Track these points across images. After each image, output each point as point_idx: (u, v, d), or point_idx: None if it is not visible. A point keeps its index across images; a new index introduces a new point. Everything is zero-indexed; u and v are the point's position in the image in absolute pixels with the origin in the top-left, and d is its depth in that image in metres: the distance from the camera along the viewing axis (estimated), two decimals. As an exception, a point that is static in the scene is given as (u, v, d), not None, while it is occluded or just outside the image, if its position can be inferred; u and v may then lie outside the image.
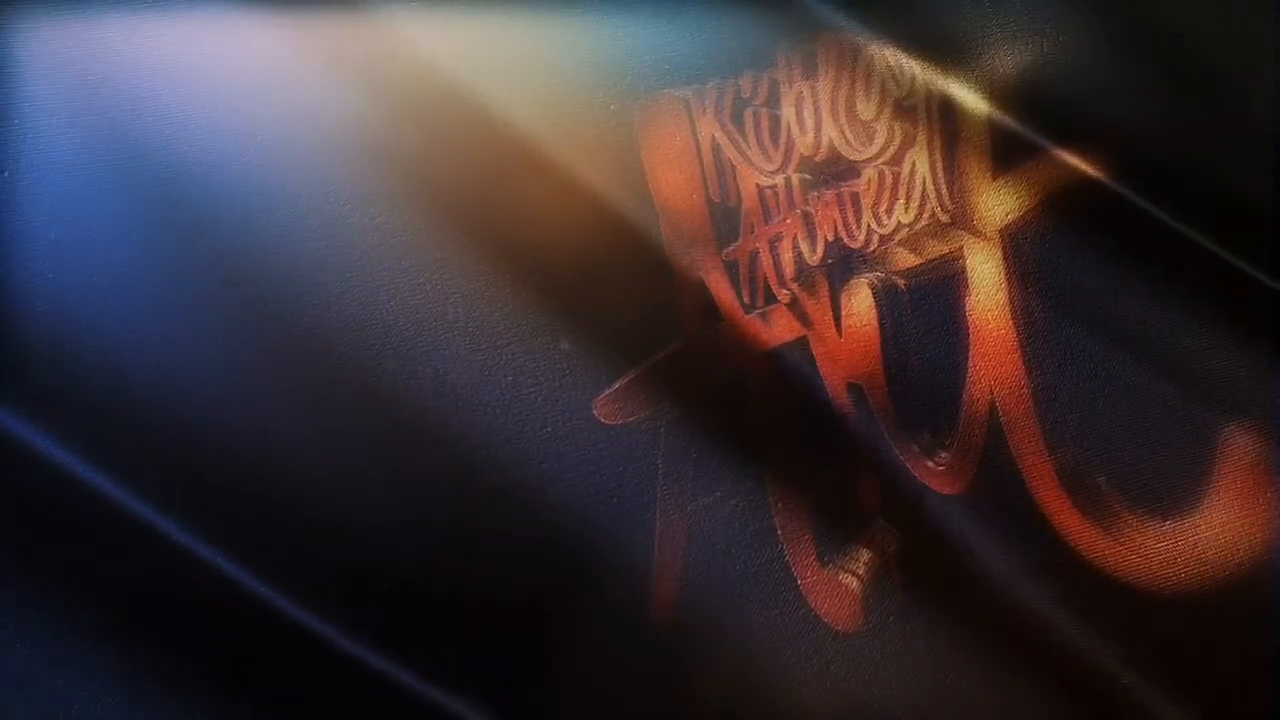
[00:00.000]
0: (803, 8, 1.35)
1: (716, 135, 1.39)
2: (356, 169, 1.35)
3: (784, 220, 1.40)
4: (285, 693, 1.33)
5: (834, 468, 1.43)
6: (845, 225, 1.40)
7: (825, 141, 1.38)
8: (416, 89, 1.36)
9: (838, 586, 1.42)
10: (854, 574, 1.42)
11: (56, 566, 1.31)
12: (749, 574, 1.41)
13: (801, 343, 1.43)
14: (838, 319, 1.42)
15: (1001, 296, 1.39)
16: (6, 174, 1.33)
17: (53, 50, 1.33)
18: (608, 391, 1.39)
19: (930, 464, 1.42)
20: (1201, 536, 1.39)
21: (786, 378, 1.42)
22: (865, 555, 1.42)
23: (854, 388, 1.43)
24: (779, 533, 1.41)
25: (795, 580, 1.42)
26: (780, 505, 1.42)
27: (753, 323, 1.43)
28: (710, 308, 1.42)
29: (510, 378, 1.38)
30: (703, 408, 1.42)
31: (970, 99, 1.36)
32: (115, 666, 1.31)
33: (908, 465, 1.42)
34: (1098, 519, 1.39)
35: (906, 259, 1.41)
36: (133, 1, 1.33)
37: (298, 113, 1.34)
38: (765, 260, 1.41)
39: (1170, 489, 1.40)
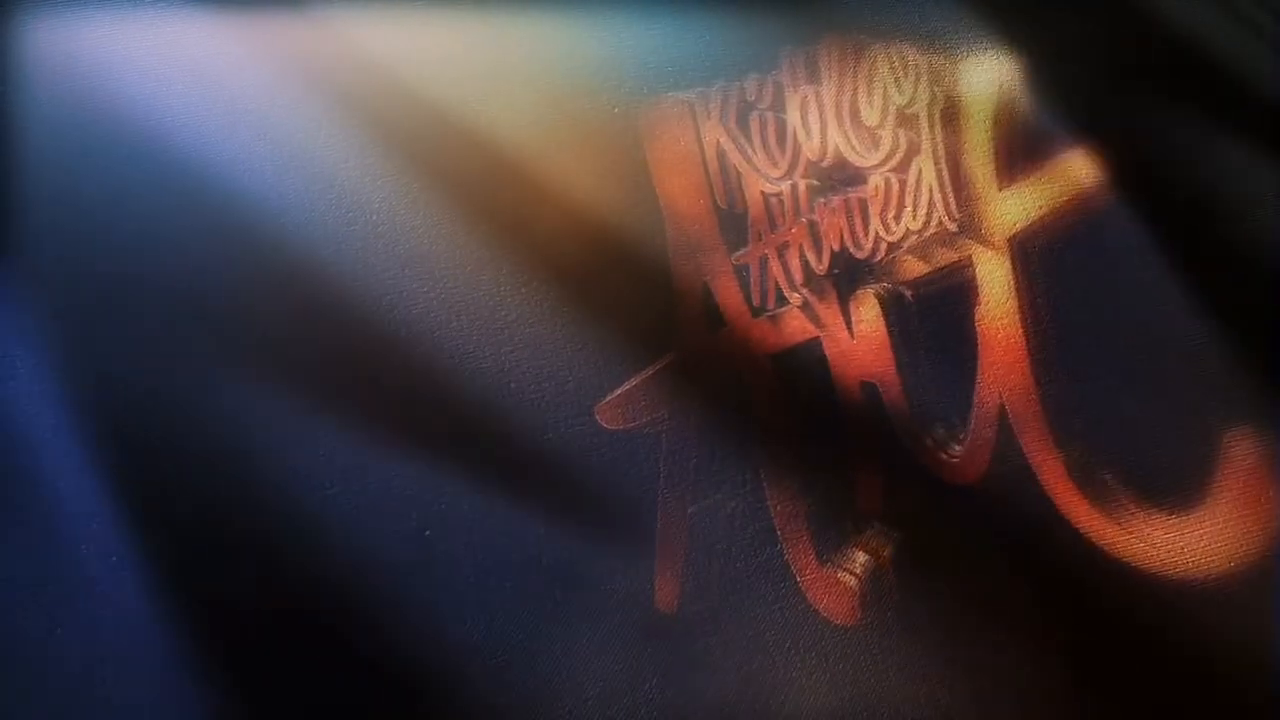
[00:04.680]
0: (806, 10, 1.35)
1: (721, 141, 1.37)
2: (359, 174, 1.34)
3: (789, 229, 1.38)
4: (286, 686, 1.33)
5: (845, 459, 1.42)
6: (852, 234, 1.38)
7: (831, 147, 1.36)
8: (421, 92, 1.35)
9: (836, 582, 1.42)
10: (851, 571, 1.42)
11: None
12: (749, 572, 1.42)
13: (814, 343, 1.41)
14: (849, 322, 1.40)
15: (1010, 304, 1.37)
16: None
17: (53, 49, 1.31)
18: (609, 397, 1.38)
19: (944, 456, 1.41)
20: (1205, 532, 1.37)
21: (797, 375, 1.41)
22: (863, 552, 1.42)
23: (868, 385, 1.41)
24: (778, 532, 1.42)
25: (794, 577, 1.42)
26: (779, 506, 1.41)
27: (761, 325, 1.41)
28: (714, 312, 1.40)
29: (514, 383, 1.36)
30: (704, 411, 1.41)
31: (974, 107, 1.35)
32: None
33: (921, 457, 1.42)
34: (1106, 509, 1.38)
35: (915, 267, 1.39)
36: (134, 1, 1.32)
37: (301, 116, 1.33)
38: (775, 266, 1.39)
39: (1175, 487, 1.38)
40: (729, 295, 1.40)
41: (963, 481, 1.41)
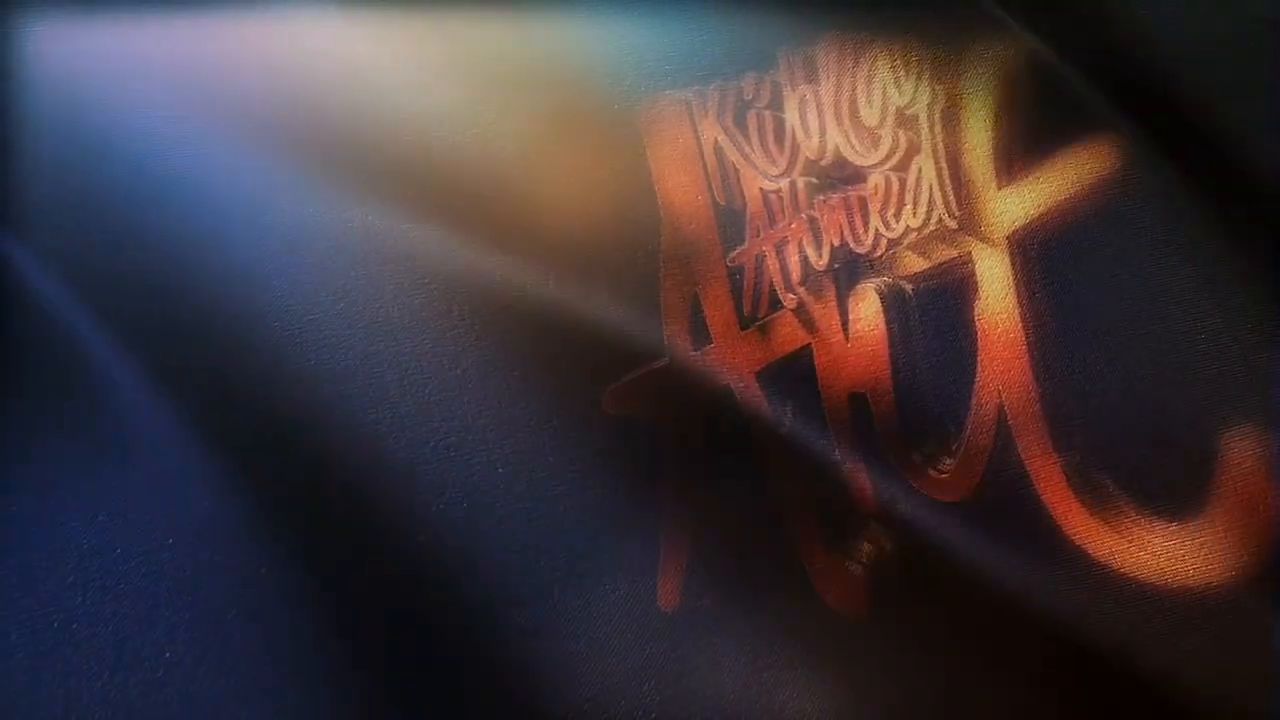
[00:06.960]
0: (804, 9, 1.35)
1: (719, 138, 1.37)
2: (360, 170, 1.34)
3: (789, 225, 1.38)
4: (279, 685, 1.32)
5: (828, 481, 1.42)
6: (852, 229, 1.37)
7: (830, 146, 1.36)
8: (418, 91, 1.35)
9: (844, 574, 1.41)
10: (859, 562, 1.41)
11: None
12: (754, 564, 1.42)
13: (804, 353, 1.41)
14: (845, 324, 1.39)
15: (1010, 301, 1.37)
16: None
17: (51, 50, 1.31)
18: (615, 385, 1.39)
19: (933, 473, 1.39)
20: (1207, 537, 1.36)
21: (783, 393, 1.41)
22: (868, 546, 1.42)
23: (856, 398, 1.40)
24: (783, 523, 1.42)
25: (801, 569, 1.42)
26: (783, 499, 1.42)
27: (749, 338, 1.41)
28: (700, 325, 1.41)
29: (518, 371, 1.37)
30: (702, 409, 1.41)
31: (974, 106, 1.35)
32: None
33: (907, 476, 1.40)
34: (1105, 517, 1.36)
35: (915, 263, 1.38)
36: (132, 2, 1.32)
37: (299, 115, 1.34)
38: (772, 264, 1.38)
39: (1176, 490, 1.37)
40: (719, 305, 1.41)
41: (952, 499, 1.40)
